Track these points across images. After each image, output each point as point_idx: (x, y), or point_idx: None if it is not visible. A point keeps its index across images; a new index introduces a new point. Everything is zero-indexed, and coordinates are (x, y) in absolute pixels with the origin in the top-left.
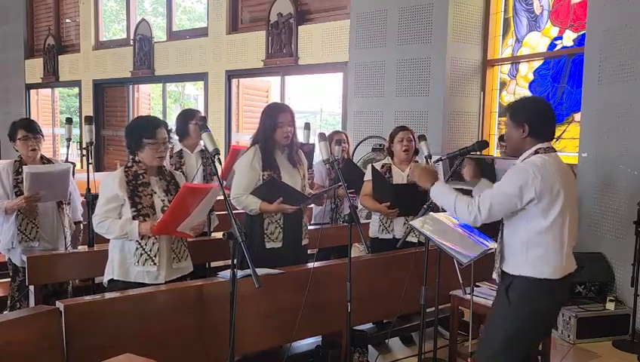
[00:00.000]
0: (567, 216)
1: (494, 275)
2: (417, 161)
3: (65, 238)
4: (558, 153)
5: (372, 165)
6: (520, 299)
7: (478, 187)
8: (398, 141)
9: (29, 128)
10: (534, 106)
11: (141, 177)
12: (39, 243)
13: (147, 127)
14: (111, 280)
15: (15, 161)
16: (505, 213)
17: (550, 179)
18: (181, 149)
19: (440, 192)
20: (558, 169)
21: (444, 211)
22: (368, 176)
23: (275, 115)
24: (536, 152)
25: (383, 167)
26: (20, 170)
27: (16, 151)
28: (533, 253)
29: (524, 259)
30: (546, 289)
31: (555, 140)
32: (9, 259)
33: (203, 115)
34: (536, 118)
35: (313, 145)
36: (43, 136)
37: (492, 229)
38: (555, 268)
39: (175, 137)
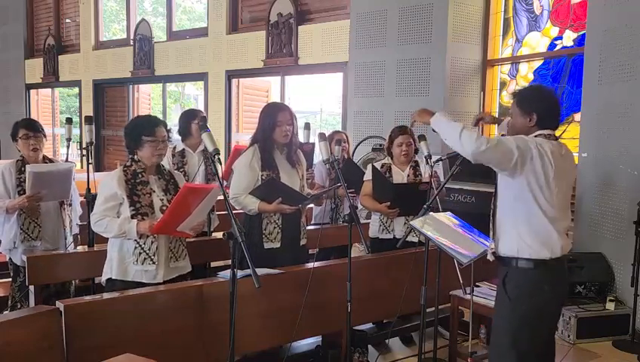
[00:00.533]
0: (557, 196)
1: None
2: (417, 161)
3: (65, 239)
4: None
5: (372, 165)
6: (518, 291)
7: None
8: (397, 145)
9: (29, 127)
10: (545, 99)
11: (140, 176)
12: (41, 242)
13: (147, 126)
14: (109, 280)
15: (17, 160)
16: (503, 157)
17: (544, 158)
18: (183, 149)
19: (444, 121)
20: (553, 152)
21: (444, 212)
22: (368, 175)
23: (274, 115)
24: (535, 137)
25: (382, 166)
26: (23, 169)
27: (18, 151)
28: (523, 231)
29: (515, 238)
30: (541, 272)
31: (556, 139)
32: (10, 259)
33: (204, 114)
34: (546, 111)
35: (313, 144)
36: (45, 136)
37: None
38: (545, 247)
39: (175, 136)
